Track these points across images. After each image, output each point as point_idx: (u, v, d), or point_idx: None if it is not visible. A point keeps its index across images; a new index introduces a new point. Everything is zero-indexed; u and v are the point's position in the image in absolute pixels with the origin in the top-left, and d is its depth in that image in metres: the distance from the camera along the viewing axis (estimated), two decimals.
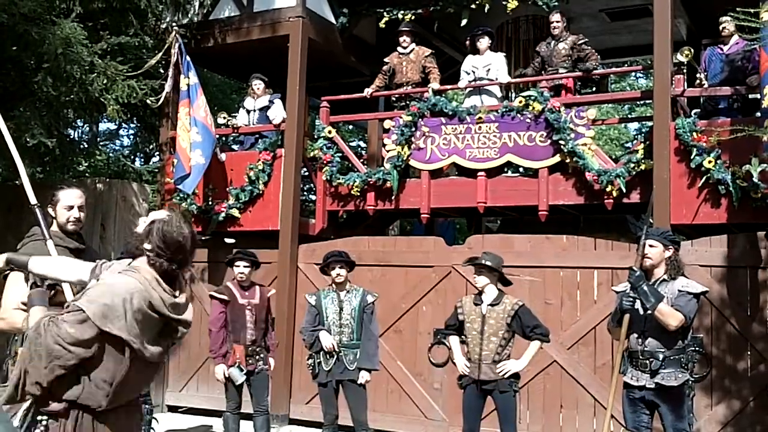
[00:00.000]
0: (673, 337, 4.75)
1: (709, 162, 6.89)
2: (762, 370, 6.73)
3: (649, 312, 4.73)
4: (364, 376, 6.11)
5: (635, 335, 4.90)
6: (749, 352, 6.82)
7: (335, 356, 6.09)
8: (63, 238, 3.99)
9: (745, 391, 6.77)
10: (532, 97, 7.88)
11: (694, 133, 7.02)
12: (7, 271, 3.76)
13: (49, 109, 8.26)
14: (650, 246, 4.90)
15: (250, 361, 6.48)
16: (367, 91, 9.04)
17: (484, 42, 8.62)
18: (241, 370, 6.42)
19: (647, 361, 4.78)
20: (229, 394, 6.54)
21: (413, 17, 8.94)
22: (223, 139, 9.74)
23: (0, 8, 7.04)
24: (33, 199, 3.88)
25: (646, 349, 4.80)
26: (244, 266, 6.59)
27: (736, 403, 6.78)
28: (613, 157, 12.10)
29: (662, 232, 5.04)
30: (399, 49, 8.99)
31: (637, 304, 4.80)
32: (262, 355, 6.55)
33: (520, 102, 7.97)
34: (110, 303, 2.70)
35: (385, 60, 9.09)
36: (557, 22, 8.38)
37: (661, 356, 4.75)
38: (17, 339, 3.91)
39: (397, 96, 9.11)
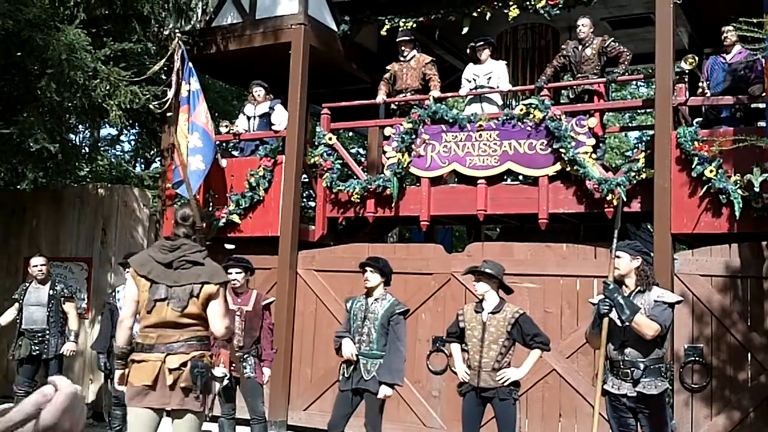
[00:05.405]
0: (651, 346, 4.86)
1: (711, 171, 6.88)
2: (762, 380, 6.71)
3: (626, 324, 4.82)
4: (383, 391, 5.71)
5: (613, 346, 4.98)
6: (749, 363, 6.80)
7: (353, 365, 5.87)
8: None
9: (746, 402, 6.75)
10: (533, 105, 7.88)
11: (696, 143, 7.00)
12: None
13: (52, 114, 8.28)
14: (617, 257, 5.02)
15: (235, 367, 6.42)
16: (380, 98, 9.01)
17: (485, 53, 8.63)
18: (223, 374, 6.38)
19: (629, 371, 4.88)
20: (221, 399, 6.52)
21: (414, 25, 8.95)
22: (224, 145, 9.75)
23: (5, 14, 7.07)
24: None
25: (626, 358, 4.90)
26: (236, 272, 6.56)
27: (736, 413, 6.76)
28: (614, 165, 12.09)
29: (629, 243, 5.11)
30: (400, 57, 9.01)
31: (614, 313, 4.89)
32: (250, 362, 6.45)
33: (521, 110, 7.96)
34: None
35: (387, 67, 9.12)
36: (584, 26, 8.22)
37: (642, 365, 4.84)
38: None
39: (397, 103, 9.11)
